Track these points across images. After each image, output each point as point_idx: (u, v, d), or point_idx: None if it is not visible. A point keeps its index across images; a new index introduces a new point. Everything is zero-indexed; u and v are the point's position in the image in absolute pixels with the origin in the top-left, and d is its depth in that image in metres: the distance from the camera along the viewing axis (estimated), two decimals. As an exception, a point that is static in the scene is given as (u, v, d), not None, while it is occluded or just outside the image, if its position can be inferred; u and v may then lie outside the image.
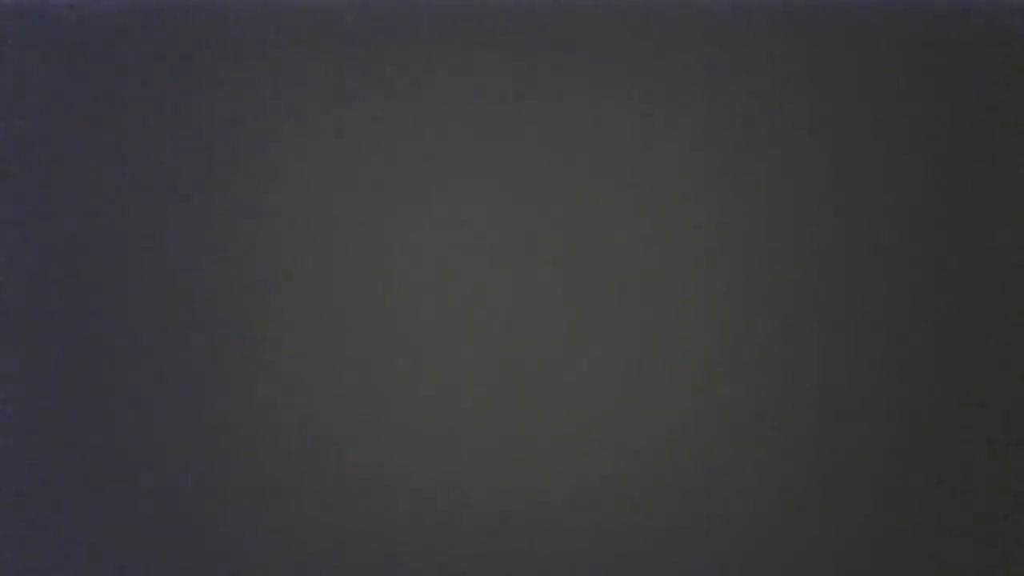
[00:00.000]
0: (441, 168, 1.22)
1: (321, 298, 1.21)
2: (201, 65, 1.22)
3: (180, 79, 1.22)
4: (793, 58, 1.22)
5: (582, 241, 1.21)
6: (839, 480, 1.21)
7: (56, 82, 1.22)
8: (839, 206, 1.22)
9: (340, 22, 1.22)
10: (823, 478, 1.21)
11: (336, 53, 1.22)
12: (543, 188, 1.22)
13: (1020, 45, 1.22)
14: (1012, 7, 1.22)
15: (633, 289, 1.21)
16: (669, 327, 1.21)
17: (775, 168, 1.22)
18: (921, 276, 1.21)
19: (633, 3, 1.22)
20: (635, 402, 1.21)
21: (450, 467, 1.21)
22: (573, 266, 1.21)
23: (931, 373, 1.21)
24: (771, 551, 1.21)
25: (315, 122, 1.22)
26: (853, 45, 1.22)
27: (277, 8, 1.22)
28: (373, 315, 1.21)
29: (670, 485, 1.21)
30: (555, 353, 1.21)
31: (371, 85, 1.22)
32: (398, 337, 1.21)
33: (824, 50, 1.22)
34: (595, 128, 1.22)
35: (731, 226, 1.21)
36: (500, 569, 1.21)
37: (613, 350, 1.21)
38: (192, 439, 1.21)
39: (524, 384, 1.21)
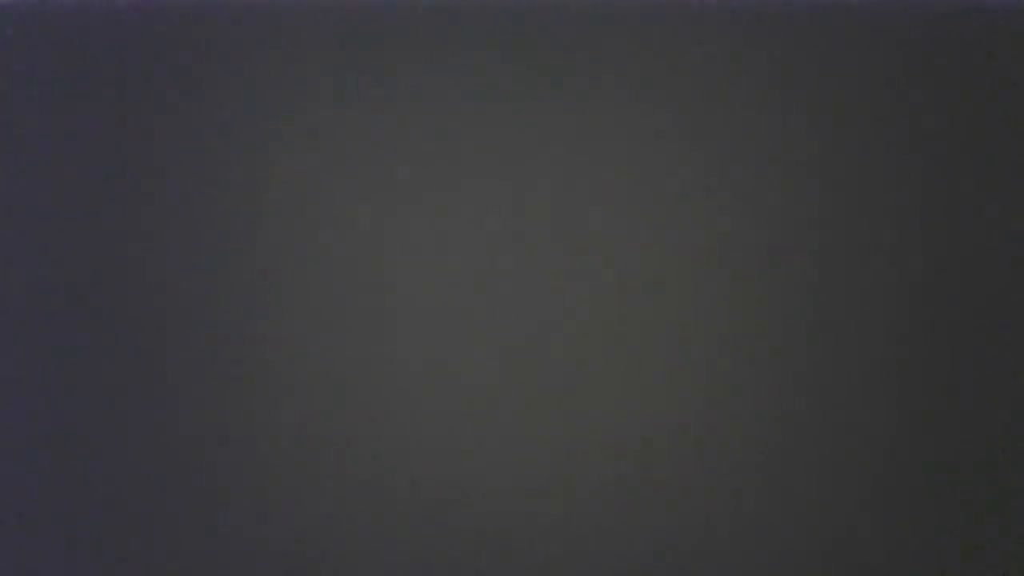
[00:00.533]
0: (441, 168, 1.22)
1: (321, 298, 1.21)
2: (201, 65, 1.22)
3: (180, 79, 1.22)
4: (793, 58, 1.22)
5: (582, 241, 1.21)
6: (839, 480, 1.21)
7: (56, 82, 1.22)
8: (839, 206, 1.22)
9: (340, 22, 1.22)
10: (823, 478, 1.21)
11: (336, 53, 1.22)
12: (543, 188, 1.22)
13: (1020, 45, 1.22)
14: (1012, 7, 1.22)
15: (634, 289, 1.21)
16: (670, 327, 1.21)
17: (775, 168, 1.22)
18: (921, 276, 1.21)
19: (633, 3, 1.22)
20: (636, 401, 1.21)
21: (450, 467, 1.21)
22: (573, 266, 1.21)
23: (931, 373, 1.21)
24: (771, 551, 1.21)
25: (315, 122, 1.22)
26: (853, 45, 1.22)
27: (277, 8, 1.22)
28: (373, 315, 1.21)
29: (670, 485, 1.21)
30: (555, 353, 1.21)
31: (371, 85, 1.22)
32: (398, 337, 1.21)
33: (824, 50, 1.22)
34: (595, 128, 1.22)
35: (731, 226, 1.21)
36: (500, 569, 1.21)
37: (613, 350, 1.21)
38: (192, 439, 1.21)
39: (524, 384, 1.21)
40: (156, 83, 1.22)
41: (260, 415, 1.21)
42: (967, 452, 1.21)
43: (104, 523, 1.21)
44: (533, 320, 1.21)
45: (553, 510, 1.21)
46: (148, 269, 1.21)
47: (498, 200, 1.22)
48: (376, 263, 1.21)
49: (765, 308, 1.21)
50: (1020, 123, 1.22)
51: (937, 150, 1.22)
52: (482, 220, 1.22)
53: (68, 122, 1.22)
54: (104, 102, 1.22)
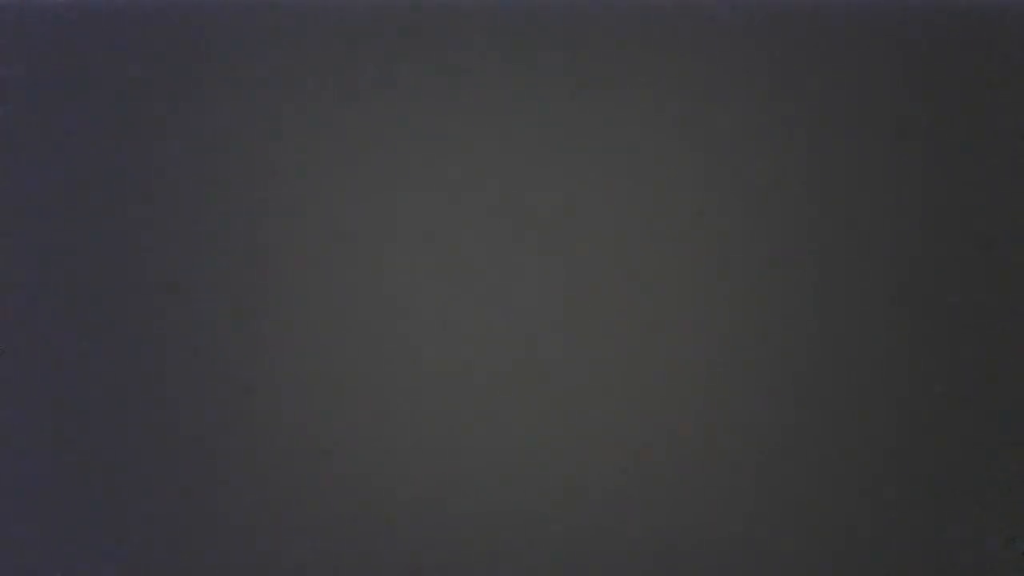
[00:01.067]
0: (441, 168, 1.22)
1: (321, 297, 1.21)
2: (201, 65, 1.22)
3: (180, 79, 1.22)
4: (793, 58, 1.22)
5: (582, 241, 1.21)
6: (840, 480, 1.21)
7: (56, 82, 1.22)
8: (839, 206, 1.22)
9: (340, 22, 1.22)
10: (823, 478, 1.21)
11: (336, 53, 1.22)
12: (543, 188, 1.22)
13: (1020, 45, 1.22)
14: (1012, 7, 1.22)
15: (634, 288, 1.21)
16: (669, 327, 1.21)
17: (775, 168, 1.22)
18: (921, 276, 1.22)
19: (633, 3, 1.22)
20: (635, 401, 1.21)
21: (450, 466, 1.21)
22: (573, 266, 1.21)
23: (931, 373, 1.21)
24: (771, 551, 1.21)
25: (315, 122, 1.22)
26: (853, 45, 1.22)
27: (277, 8, 1.22)
28: (373, 315, 1.21)
29: (670, 485, 1.21)
30: (556, 353, 1.21)
31: (371, 85, 1.22)
32: (398, 337, 1.21)
33: (824, 50, 1.22)
34: (595, 128, 1.22)
35: (731, 226, 1.21)
36: (500, 569, 1.21)
37: (613, 350, 1.21)
38: (192, 439, 1.21)
39: (524, 383, 1.21)
40: (156, 83, 1.22)
41: (260, 415, 1.21)
42: (967, 452, 1.21)
43: (104, 523, 1.21)
44: (533, 320, 1.21)
45: (553, 510, 1.21)
46: (148, 269, 1.21)
47: (498, 200, 1.22)
48: (376, 263, 1.21)
49: (765, 308, 1.21)
50: (1020, 123, 1.22)
51: (937, 150, 1.22)
52: (482, 220, 1.22)
53: (68, 122, 1.22)
54: (104, 102, 1.22)
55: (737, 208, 1.22)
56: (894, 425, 1.21)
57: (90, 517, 1.21)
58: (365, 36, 1.22)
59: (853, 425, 1.21)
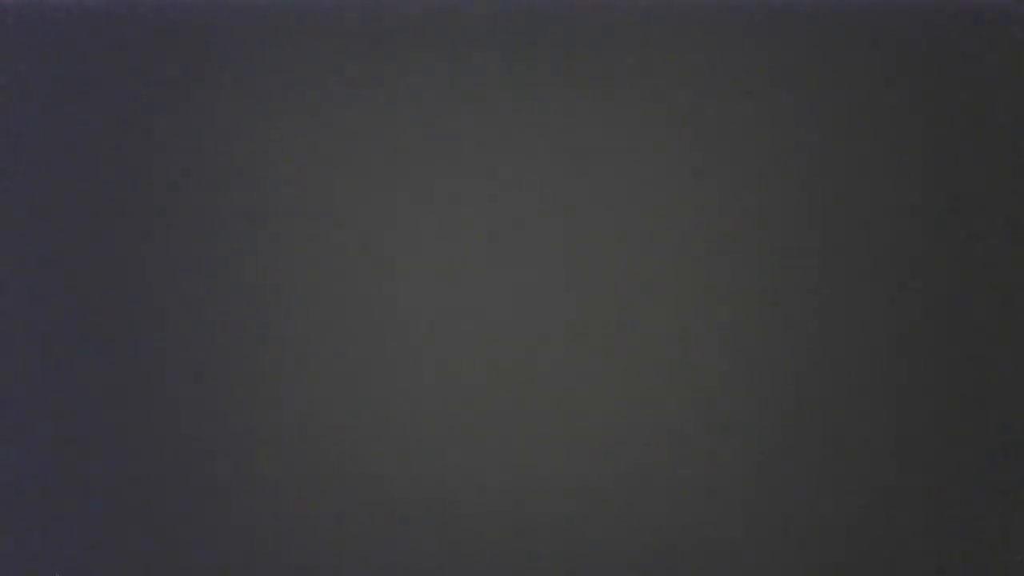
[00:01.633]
0: (441, 168, 1.22)
1: (321, 298, 1.21)
2: (201, 65, 1.22)
3: (180, 79, 1.22)
4: (793, 58, 1.22)
5: (582, 241, 1.21)
6: (840, 480, 1.21)
7: (56, 82, 1.22)
8: (839, 206, 1.22)
9: (340, 22, 1.22)
10: (823, 478, 1.21)
11: (336, 53, 1.22)
12: (543, 188, 1.22)
13: (1020, 45, 1.22)
14: (1012, 7, 1.22)
15: (634, 288, 1.21)
16: (669, 327, 1.21)
17: (775, 168, 1.22)
18: (921, 276, 1.21)
19: (633, 3, 1.22)
20: (635, 401, 1.21)
21: (449, 466, 1.21)
22: (573, 266, 1.21)
23: (932, 373, 1.21)
24: (771, 551, 1.21)
25: (315, 122, 1.22)
26: (853, 45, 1.22)
27: (277, 8, 1.22)
28: (373, 315, 1.21)
29: (670, 485, 1.21)
30: (555, 352, 1.21)
31: (371, 85, 1.22)
32: (398, 337, 1.21)
33: (824, 50, 1.22)
34: (595, 128, 1.22)
35: (731, 226, 1.21)
36: (500, 569, 1.21)
37: (613, 349, 1.21)
38: (191, 439, 1.21)
39: (525, 383, 1.21)
40: (156, 83, 1.22)
41: (260, 415, 1.21)
42: (967, 452, 1.21)
43: (104, 523, 1.21)
44: (534, 320, 1.21)
45: (553, 510, 1.21)
46: (148, 269, 1.21)
47: (498, 200, 1.22)
48: (376, 263, 1.21)
49: (765, 308, 1.21)
50: (1020, 123, 1.22)
51: (937, 150, 1.22)
52: (482, 220, 1.21)
53: (68, 122, 1.22)
54: (104, 102, 1.22)
55: (737, 208, 1.22)
56: (894, 425, 1.21)
57: (90, 517, 1.21)
58: (365, 36, 1.22)
59: (853, 425, 1.21)
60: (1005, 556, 1.21)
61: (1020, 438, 1.21)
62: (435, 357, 1.21)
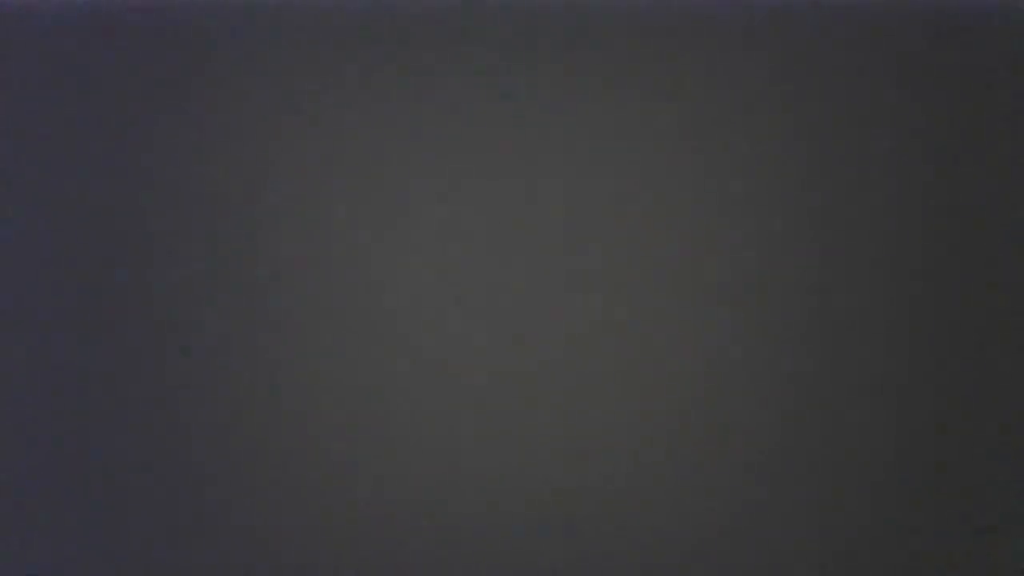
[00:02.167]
0: (441, 168, 1.22)
1: (322, 297, 1.21)
2: (201, 65, 1.22)
3: (180, 79, 1.22)
4: (793, 58, 1.22)
5: (582, 241, 1.21)
6: (840, 480, 1.21)
7: (56, 82, 1.22)
8: (839, 206, 1.22)
9: (340, 22, 1.22)
10: (824, 478, 1.21)
11: (336, 53, 1.22)
12: (543, 188, 1.22)
13: (1020, 45, 1.22)
14: (1012, 7, 1.22)
15: (634, 289, 1.21)
16: (669, 327, 1.21)
17: (775, 168, 1.22)
18: (921, 276, 1.22)
19: (633, 3, 1.22)
20: (635, 402, 1.21)
21: (449, 467, 1.21)
22: (573, 266, 1.21)
23: (932, 373, 1.21)
24: (771, 551, 1.21)
25: (314, 122, 1.22)
26: (853, 45, 1.22)
27: (277, 8, 1.22)
28: (373, 315, 1.21)
29: (670, 485, 1.21)
30: (555, 353, 1.21)
31: (371, 85, 1.22)
32: (398, 337, 1.21)
33: (824, 50, 1.22)
34: (595, 128, 1.22)
35: (731, 226, 1.21)
36: (500, 569, 1.21)
37: (613, 350, 1.21)
38: (191, 439, 1.21)
39: (524, 384, 1.21)
40: (156, 83, 1.22)
41: (260, 415, 1.21)
42: (967, 453, 1.21)
43: (104, 523, 1.21)
44: (534, 320, 1.21)
45: (553, 510, 1.21)
46: (148, 268, 1.21)
47: (498, 200, 1.22)
48: (376, 263, 1.21)
49: (766, 308, 1.21)
50: (1020, 123, 1.22)
51: (937, 150, 1.22)
52: (482, 220, 1.22)
53: (68, 122, 1.22)
54: (104, 102, 1.22)
55: (737, 208, 1.22)
56: (895, 425, 1.21)
57: (90, 517, 1.21)
58: (365, 36, 1.22)
59: (853, 425, 1.21)
60: (1005, 556, 1.21)
61: (1020, 438, 1.21)
62: (435, 357, 1.21)
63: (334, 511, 1.21)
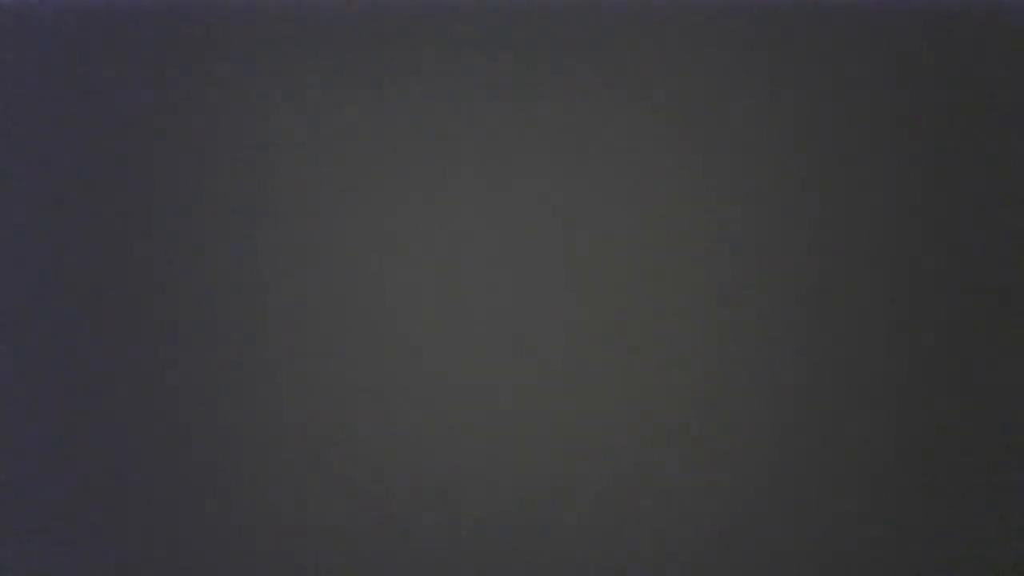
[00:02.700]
0: (441, 168, 1.22)
1: (321, 298, 1.21)
2: (201, 65, 1.22)
3: (180, 79, 1.22)
4: (793, 58, 1.22)
5: (582, 241, 1.21)
6: (839, 480, 1.21)
7: (56, 82, 1.22)
8: (839, 206, 1.22)
9: (340, 22, 1.22)
10: (823, 478, 1.21)
11: (336, 53, 1.22)
12: (543, 188, 1.22)
13: (1020, 45, 1.22)
14: (1012, 7, 1.22)
15: (633, 289, 1.21)
16: (669, 327, 1.21)
17: (775, 168, 1.22)
18: (921, 276, 1.22)
19: (633, 3, 1.22)
20: (635, 402, 1.21)
21: (449, 467, 1.21)
22: (573, 266, 1.21)
23: (931, 374, 1.21)
24: (771, 551, 1.21)
25: (315, 121, 1.22)
26: (853, 45, 1.22)
27: (277, 8, 1.22)
28: (373, 315, 1.21)
29: (670, 485, 1.21)
30: (555, 353, 1.21)
31: (371, 85, 1.22)
32: (398, 337, 1.21)
33: (824, 50, 1.22)
34: (595, 128, 1.22)
35: (731, 226, 1.21)
36: (500, 569, 1.21)
37: (613, 350, 1.21)
38: (191, 439, 1.21)
39: (524, 384, 1.21)
40: (156, 83, 1.22)
41: (260, 415, 1.21)
42: (967, 453, 1.21)
43: (104, 523, 1.21)
44: (533, 320, 1.21)
45: (552, 510, 1.21)
46: (148, 268, 1.21)
47: (498, 200, 1.22)
48: (376, 263, 1.21)
49: (765, 308, 1.21)
50: (1020, 123, 1.22)
51: (937, 150, 1.22)
52: (482, 219, 1.22)
53: (68, 122, 1.22)
54: (104, 102, 1.22)
55: (737, 208, 1.22)
56: (894, 425, 1.21)
57: (90, 517, 1.21)
58: (365, 36, 1.22)
59: (853, 425, 1.21)
60: (1005, 556, 1.21)
61: (1020, 438, 1.21)
62: (435, 357, 1.21)
63: (334, 511, 1.21)
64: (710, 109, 1.22)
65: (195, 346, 1.21)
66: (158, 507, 1.21)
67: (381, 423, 1.21)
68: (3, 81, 1.22)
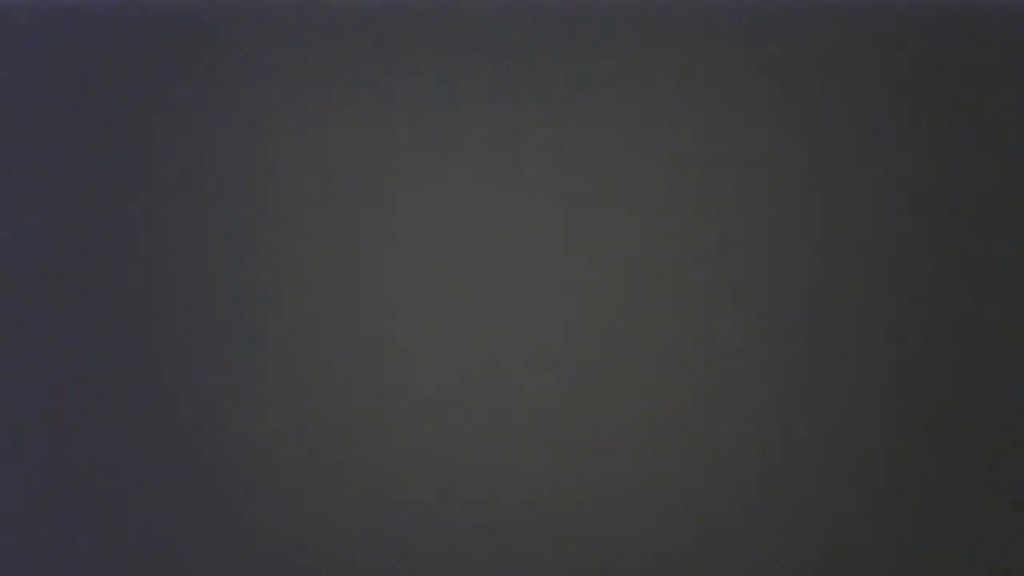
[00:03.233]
0: (441, 168, 1.22)
1: (321, 298, 1.21)
2: (201, 65, 1.22)
3: (180, 79, 1.22)
4: (793, 58, 1.22)
5: (582, 241, 1.21)
6: (839, 480, 1.21)
7: (56, 82, 1.22)
8: (839, 206, 1.22)
9: (340, 22, 1.22)
10: (823, 478, 1.21)
11: (336, 53, 1.22)
12: (543, 188, 1.22)
13: (1020, 45, 1.22)
14: (1012, 7, 1.22)
15: (633, 289, 1.21)
16: (669, 327, 1.21)
17: (775, 168, 1.22)
18: (921, 276, 1.22)
19: (633, 3, 1.22)
20: (634, 402, 1.21)
21: (449, 467, 1.21)
22: (573, 266, 1.21)
23: (931, 374, 1.21)
24: (770, 551, 1.21)
25: (314, 122, 1.22)
26: (853, 45, 1.22)
27: (277, 8, 1.22)
28: (373, 315, 1.21)
29: (669, 486, 1.21)
30: (555, 353, 1.21)
31: (371, 85, 1.22)
32: (398, 337, 1.21)
33: (824, 50, 1.22)
34: (595, 128, 1.22)
35: (731, 226, 1.21)
36: (499, 569, 1.21)
37: (612, 350, 1.21)
38: (191, 439, 1.21)
39: (524, 384, 1.21)
40: (156, 83, 1.22)
41: (260, 415, 1.21)
42: (967, 453, 1.21)
43: (104, 523, 1.21)
44: (533, 320, 1.21)
45: (552, 510, 1.21)
46: (148, 268, 1.21)
47: (498, 200, 1.22)
48: (376, 263, 1.21)
49: (765, 308, 1.21)
50: (1020, 123, 1.22)
51: (937, 150, 1.22)
52: (482, 219, 1.22)
53: (68, 122, 1.22)
54: (104, 102, 1.22)
55: (737, 208, 1.22)
56: (894, 425, 1.21)
57: (90, 517, 1.21)
58: (365, 36, 1.22)
59: (853, 425, 1.21)
60: (1005, 556, 1.21)
61: (1020, 438, 1.21)
62: (435, 356, 1.21)
63: (334, 511, 1.21)
64: (710, 109, 1.22)
65: (195, 346, 1.21)
66: (158, 507, 1.21)
67: (381, 423, 1.21)
68: (3, 81, 1.22)
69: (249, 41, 1.22)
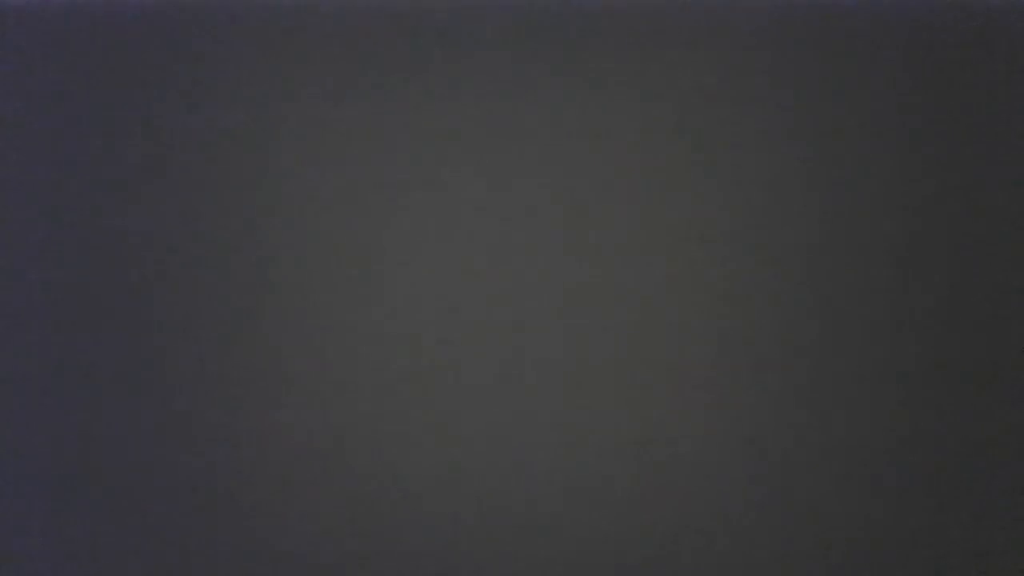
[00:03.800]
0: (441, 167, 1.22)
1: (321, 297, 1.21)
2: (201, 65, 1.22)
3: (180, 79, 1.22)
4: (793, 58, 1.22)
5: (582, 241, 1.21)
6: (840, 480, 1.21)
7: (56, 82, 1.22)
8: (839, 206, 1.22)
9: (339, 22, 1.22)
10: (824, 478, 1.21)
11: (336, 53, 1.22)
12: (543, 188, 1.22)
13: (1020, 45, 1.22)
14: (1012, 7, 1.22)
15: (633, 289, 1.21)
16: (668, 328, 1.21)
17: (775, 168, 1.22)
18: (921, 276, 1.22)
19: (633, 3, 1.22)
20: (634, 402, 1.21)
21: (449, 467, 1.21)
22: (572, 266, 1.21)
23: (931, 373, 1.21)
24: (770, 551, 1.21)
25: (314, 122, 1.22)
26: (853, 45, 1.22)
27: (277, 8, 1.22)
28: (373, 315, 1.21)
29: (669, 486, 1.21)
30: (555, 354, 1.21)
31: (370, 85, 1.22)
32: (398, 337, 1.21)
33: (824, 50, 1.22)
34: (595, 128, 1.22)
35: (732, 226, 1.21)
36: (499, 569, 1.21)
37: (612, 351, 1.21)
38: (192, 439, 1.21)
39: (524, 384, 1.21)
40: (156, 83, 1.22)
41: (260, 415, 1.21)
42: (967, 452, 1.21)
43: (104, 523, 1.21)
44: (534, 320, 1.21)
45: (552, 510, 1.21)
46: (149, 268, 1.21)
47: (498, 200, 1.22)
48: (376, 263, 1.21)
49: (765, 308, 1.21)
50: (1020, 123, 1.22)
51: (937, 150, 1.22)
52: (482, 220, 1.22)
53: (68, 122, 1.22)
54: (104, 102, 1.22)
55: (737, 208, 1.22)
56: (894, 425, 1.21)
57: (90, 517, 1.21)
58: (365, 36, 1.22)
59: (853, 425, 1.21)
60: (1005, 556, 1.21)
61: (1020, 438, 1.21)
62: (434, 356, 1.21)
63: (334, 511, 1.21)
64: (712, 109, 1.22)
65: (195, 346, 1.21)
66: (158, 507, 1.21)
67: (381, 423, 1.21)
68: (3, 81, 1.22)
69: (249, 41, 1.22)
